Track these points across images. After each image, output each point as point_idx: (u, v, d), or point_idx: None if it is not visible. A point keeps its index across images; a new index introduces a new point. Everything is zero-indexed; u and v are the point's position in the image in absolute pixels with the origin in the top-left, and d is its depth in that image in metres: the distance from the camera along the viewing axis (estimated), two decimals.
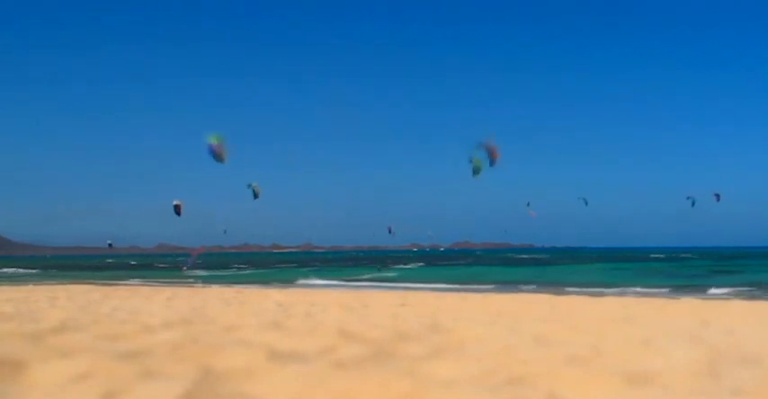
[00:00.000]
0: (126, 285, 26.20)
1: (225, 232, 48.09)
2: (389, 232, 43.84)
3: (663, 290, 26.06)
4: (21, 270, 60.08)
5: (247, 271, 54.15)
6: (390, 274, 45.15)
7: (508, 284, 31.13)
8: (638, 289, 26.52)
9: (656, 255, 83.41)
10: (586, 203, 31.54)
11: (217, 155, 18.69)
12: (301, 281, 35.28)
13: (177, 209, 25.96)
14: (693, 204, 30.30)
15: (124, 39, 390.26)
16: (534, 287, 28.81)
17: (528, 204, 35.97)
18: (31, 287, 20.57)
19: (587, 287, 27.81)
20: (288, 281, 35.01)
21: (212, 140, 18.63)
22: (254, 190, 24.65)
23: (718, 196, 30.77)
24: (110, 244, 53.93)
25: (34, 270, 59.06)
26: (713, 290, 26.00)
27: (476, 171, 19.77)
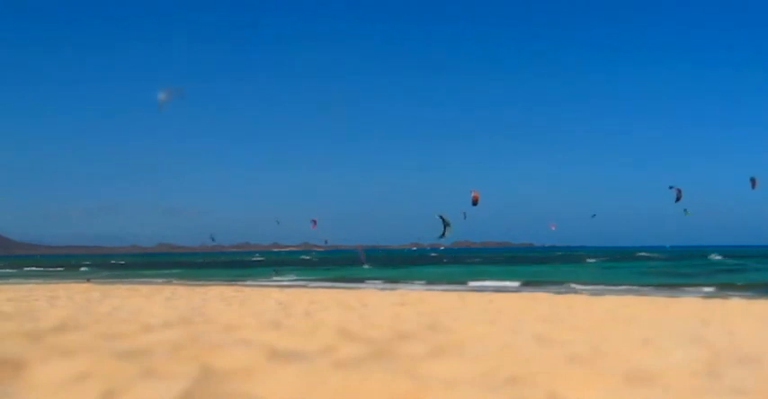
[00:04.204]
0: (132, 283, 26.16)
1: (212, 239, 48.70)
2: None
3: (663, 290, 26.04)
4: (23, 269, 60.06)
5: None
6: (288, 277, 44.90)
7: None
8: (638, 289, 26.49)
9: (657, 254, 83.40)
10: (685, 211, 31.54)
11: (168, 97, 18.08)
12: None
13: None
14: (678, 199, 28.28)
15: (126, 39, 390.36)
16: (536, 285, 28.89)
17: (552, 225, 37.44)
18: (31, 286, 20.56)
19: (587, 286, 27.84)
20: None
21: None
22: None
23: (753, 181, 28.62)
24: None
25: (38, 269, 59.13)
26: (709, 289, 26.01)
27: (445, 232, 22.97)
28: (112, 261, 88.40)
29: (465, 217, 38.09)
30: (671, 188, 26.82)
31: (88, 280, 28.77)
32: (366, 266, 49.59)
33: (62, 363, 3.31)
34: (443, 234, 24.93)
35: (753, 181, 27.58)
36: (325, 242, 49.02)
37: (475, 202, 25.44)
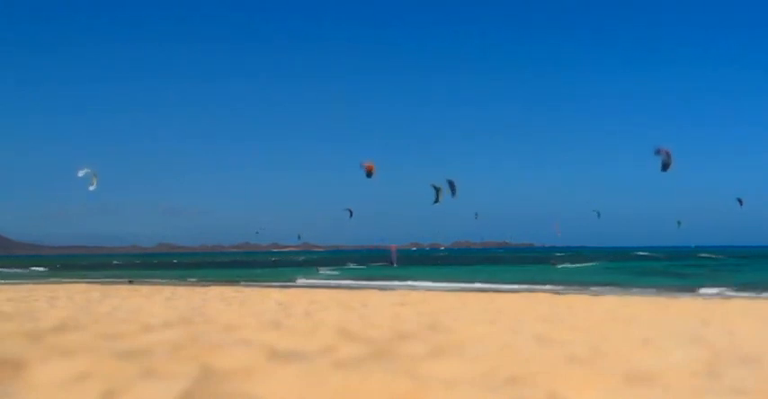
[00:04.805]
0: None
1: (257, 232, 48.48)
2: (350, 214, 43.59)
3: (663, 290, 26.02)
4: (20, 270, 59.95)
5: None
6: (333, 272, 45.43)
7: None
8: (638, 289, 26.47)
9: (657, 255, 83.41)
10: (599, 215, 31.26)
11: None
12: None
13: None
14: (599, 215, 27.96)
15: (126, 39, 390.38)
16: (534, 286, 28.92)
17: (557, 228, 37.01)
18: (30, 286, 20.55)
19: (588, 286, 27.83)
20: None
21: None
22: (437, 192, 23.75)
23: (740, 201, 30.12)
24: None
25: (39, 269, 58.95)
26: (708, 290, 26.00)
27: (436, 199, 22.60)
28: (124, 262, 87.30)
29: (477, 217, 38.69)
30: (657, 152, 19.77)
31: (131, 282, 27.93)
32: (395, 266, 49.26)
33: (62, 363, 3.31)
34: (437, 199, 24.00)
35: (740, 201, 28.84)
36: (299, 237, 49.28)
37: (369, 173, 23.59)
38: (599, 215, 32.16)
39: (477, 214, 40.59)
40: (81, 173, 25.00)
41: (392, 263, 48.81)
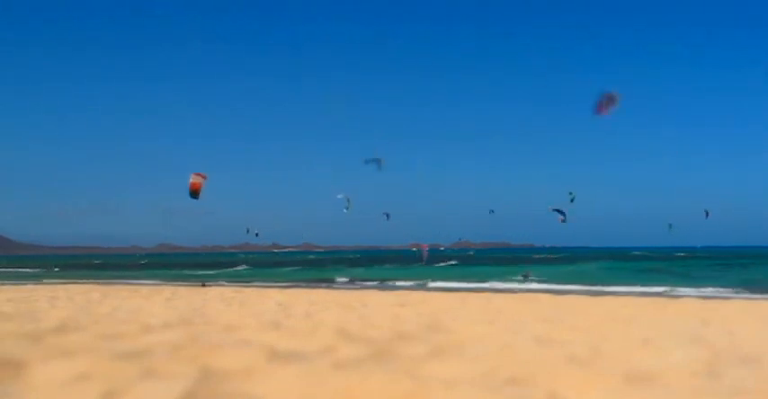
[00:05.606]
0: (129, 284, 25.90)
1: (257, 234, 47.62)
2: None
3: (663, 290, 26.02)
4: (21, 270, 59.87)
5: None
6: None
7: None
8: (638, 289, 26.46)
9: (656, 255, 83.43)
10: (572, 200, 30.87)
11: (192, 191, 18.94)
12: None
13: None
14: (572, 200, 28.57)
15: (126, 40, 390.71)
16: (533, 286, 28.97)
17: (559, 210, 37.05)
18: (31, 287, 20.54)
19: (587, 286, 27.84)
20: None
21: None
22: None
23: (707, 213, 31.97)
24: (256, 234, 51.15)
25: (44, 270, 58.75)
26: (712, 289, 26.02)
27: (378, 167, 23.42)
28: (143, 262, 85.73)
29: (492, 212, 39.46)
30: (603, 93, 14.69)
31: (203, 285, 27.09)
32: (424, 263, 49.23)
33: (62, 364, 3.32)
34: (378, 167, 24.61)
35: (706, 212, 31.24)
36: (256, 235, 48.17)
37: (194, 193, 19.37)
38: (572, 199, 31.60)
39: (492, 210, 41.28)
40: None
41: (422, 262, 48.84)
